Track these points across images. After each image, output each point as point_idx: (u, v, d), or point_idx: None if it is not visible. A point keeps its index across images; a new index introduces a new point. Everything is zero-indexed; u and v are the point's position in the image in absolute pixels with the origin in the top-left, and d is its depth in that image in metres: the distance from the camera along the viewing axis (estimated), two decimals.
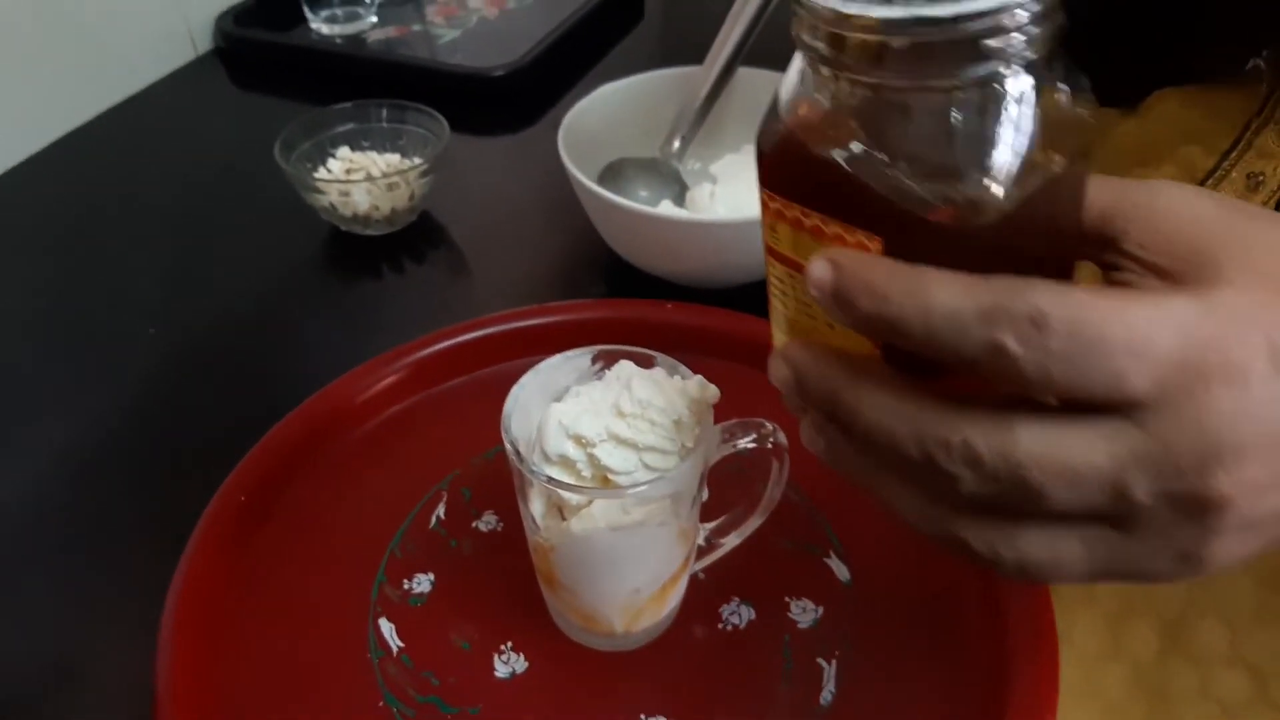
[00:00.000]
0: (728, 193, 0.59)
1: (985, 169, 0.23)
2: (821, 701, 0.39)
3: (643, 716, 0.38)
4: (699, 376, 0.36)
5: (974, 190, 0.23)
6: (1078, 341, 0.22)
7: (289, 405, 0.49)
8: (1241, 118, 0.44)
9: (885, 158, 0.23)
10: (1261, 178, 0.41)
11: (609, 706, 0.39)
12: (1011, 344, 0.22)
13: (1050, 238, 0.25)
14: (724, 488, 0.40)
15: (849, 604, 0.42)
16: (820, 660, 0.40)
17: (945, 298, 0.22)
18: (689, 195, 0.61)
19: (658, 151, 0.63)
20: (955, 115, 0.23)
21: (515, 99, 0.80)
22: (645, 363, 0.38)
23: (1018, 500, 0.23)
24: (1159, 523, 0.23)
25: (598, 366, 0.39)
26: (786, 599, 0.42)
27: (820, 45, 0.24)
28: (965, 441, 0.23)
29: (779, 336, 0.30)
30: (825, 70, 0.24)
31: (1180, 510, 0.23)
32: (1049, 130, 0.23)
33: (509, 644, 0.41)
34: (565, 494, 0.34)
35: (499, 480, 0.47)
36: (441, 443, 0.49)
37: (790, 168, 0.26)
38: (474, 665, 0.40)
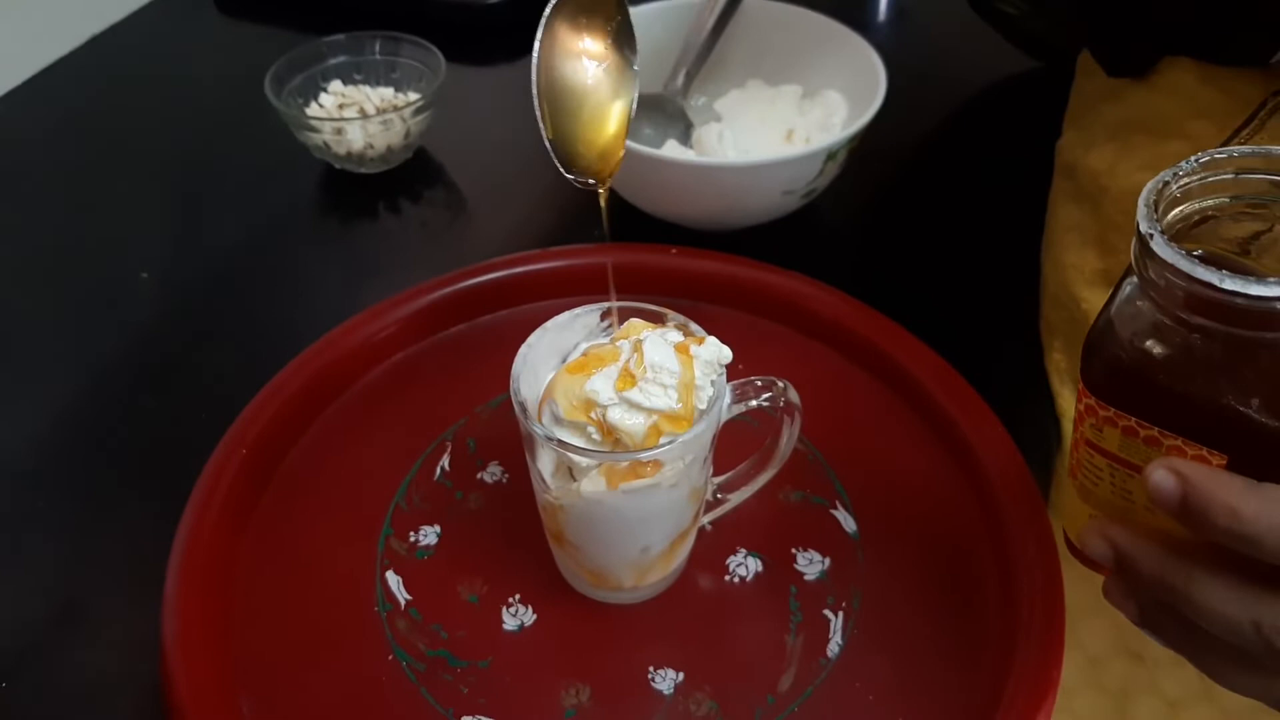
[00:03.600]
0: (736, 132, 0.57)
1: None
2: (829, 653, 0.39)
3: (651, 668, 0.39)
4: (713, 338, 0.35)
5: None
6: None
7: (287, 350, 0.48)
8: (1257, 96, 0.43)
9: (1247, 394, 0.26)
10: None
11: (617, 659, 0.39)
12: None
13: None
14: (733, 439, 0.40)
15: (856, 556, 0.42)
16: (827, 612, 0.40)
17: (1217, 598, 0.26)
18: (695, 134, 0.59)
19: (662, 87, 0.61)
20: None
21: (512, 29, 0.77)
22: (656, 319, 0.37)
23: None
24: None
25: (607, 323, 0.38)
26: (793, 550, 0.42)
27: (1173, 296, 0.26)
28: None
29: (1081, 509, 0.32)
30: (1177, 314, 0.26)
31: None
32: None
33: (517, 596, 0.41)
34: (575, 457, 0.34)
35: (504, 430, 0.47)
36: (445, 392, 0.49)
37: (1131, 388, 0.28)
38: (482, 618, 0.40)
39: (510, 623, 0.40)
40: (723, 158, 0.56)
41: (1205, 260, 0.26)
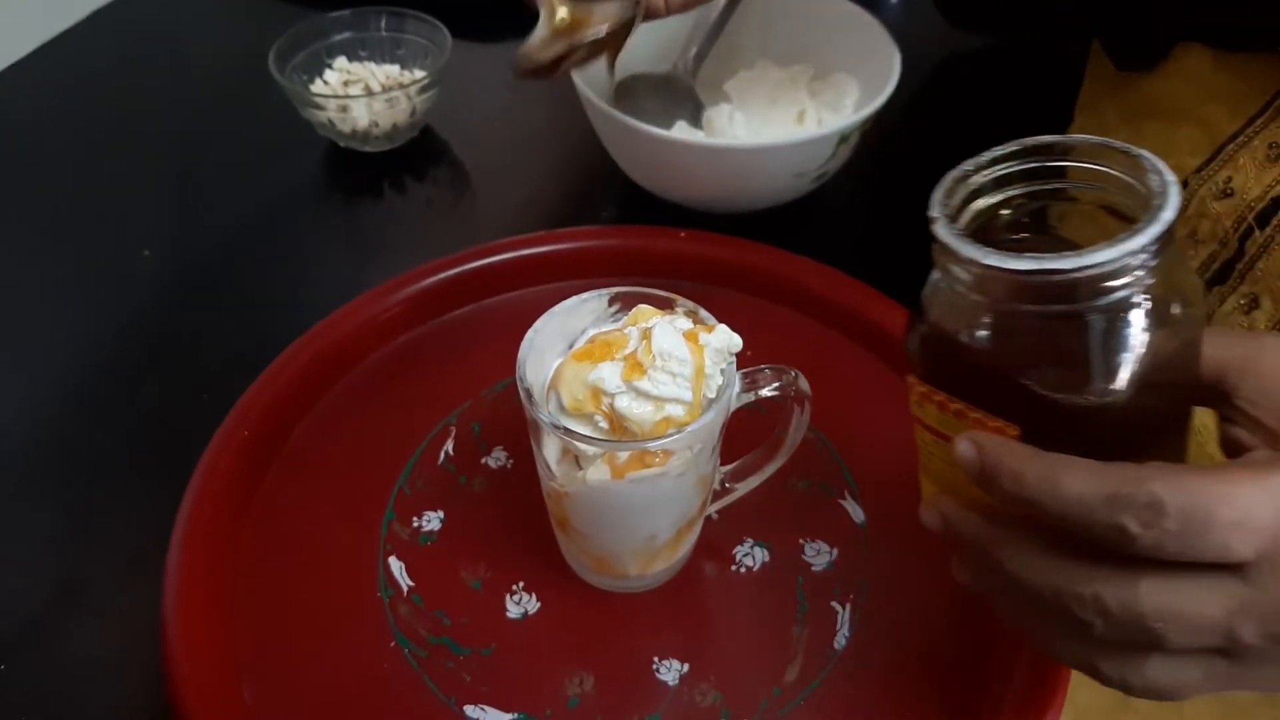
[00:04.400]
0: (747, 113, 0.56)
1: (1108, 375, 0.27)
2: (836, 645, 0.39)
3: (656, 658, 0.38)
4: (723, 326, 0.35)
5: (1098, 395, 0.27)
6: (1190, 521, 0.25)
7: (290, 331, 0.47)
8: (1272, 85, 0.43)
9: (1027, 367, 0.27)
10: None
11: (622, 648, 0.39)
12: (1133, 527, 0.26)
13: (1168, 408, 0.29)
14: (742, 427, 0.39)
15: (864, 546, 0.42)
16: (834, 603, 0.40)
17: (1075, 485, 0.26)
18: (705, 115, 0.58)
19: (672, 67, 0.60)
20: (1082, 333, 0.27)
21: (519, 6, 0.76)
22: (664, 305, 0.36)
23: (1143, 642, 0.27)
24: (1267, 656, 0.27)
25: (615, 309, 0.37)
26: (801, 541, 0.42)
27: (964, 278, 0.28)
28: (1096, 595, 0.27)
29: (928, 485, 0.34)
30: (967, 295, 0.28)
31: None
32: (1164, 330, 0.27)
33: (521, 584, 0.40)
34: (582, 445, 0.33)
35: (509, 415, 0.46)
36: (449, 375, 0.48)
37: (937, 365, 0.30)
38: (486, 605, 0.40)
39: (514, 610, 0.40)
40: (733, 139, 0.55)
41: (979, 239, 0.27)
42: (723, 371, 0.34)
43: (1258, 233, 0.42)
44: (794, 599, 0.40)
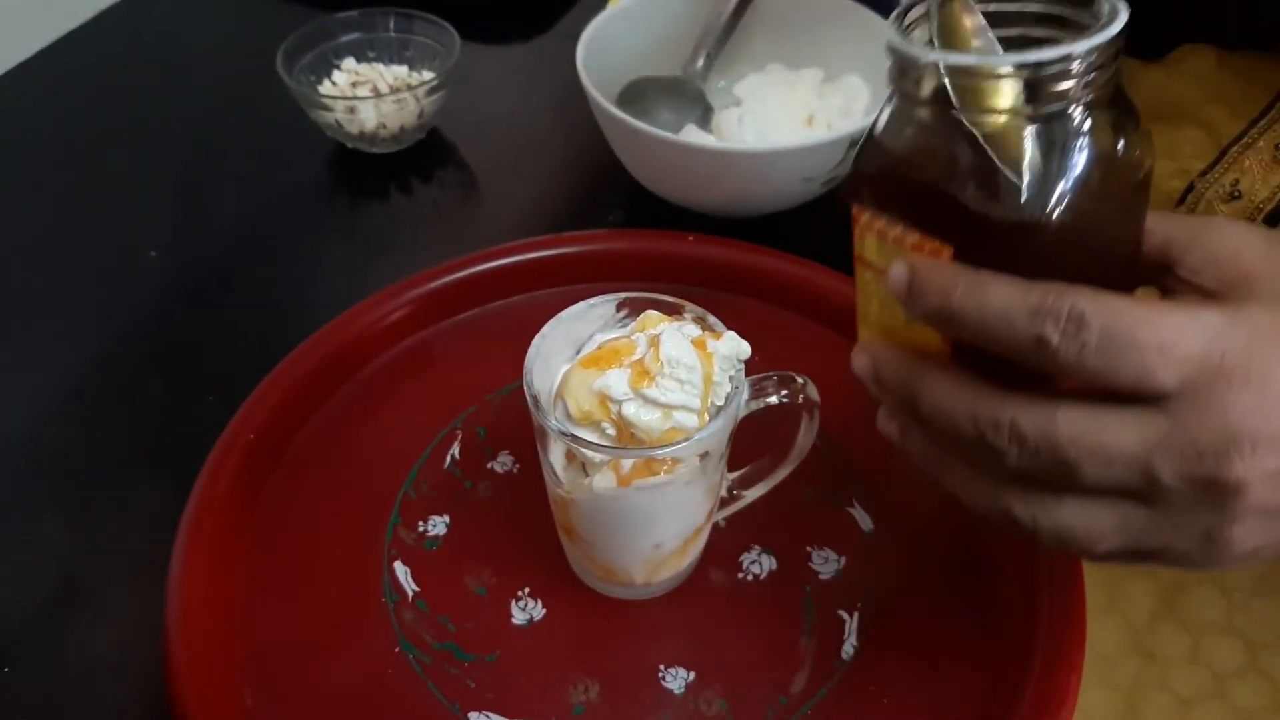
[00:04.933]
0: (756, 117, 0.56)
1: (1043, 191, 0.26)
2: (843, 655, 0.38)
3: (661, 666, 0.38)
4: (731, 333, 0.34)
5: (1030, 210, 0.26)
6: (1111, 339, 0.25)
7: (295, 332, 0.47)
8: (1274, 87, 0.42)
9: (959, 179, 0.27)
10: None
11: (627, 656, 0.39)
12: (1053, 337, 0.25)
13: (1106, 260, 0.29)
14: (750, 434, 0.39)
15: (871, 555, 0.41)
16: (841, 612, 0.39)
17: (999, 296, 0.26)
18: (714, 119, 0.58)
19: (681, 70, 0.60)
20: (1016, 143, 0.26)
21: (528, 8, 0.76)
22: (673, 311, 0.36)
23: (1056, 475, 0.27)
24: (1182, 502, 0.26)
25: (623, 314, 0.37)
26: (808, 549, 0.41)
27: (906, 85, 0.28)
28: (1013, 420, 0.27)
29: (864, 334, 0.33)
30: (910, 106, 0.28)
31: (1200, 491, 0.26)
32: (1103, 162, 0.27)
33: (526, 590, 0.40)
34: (589, 452, 0.33)
35: (515, 419, 0.46)
36: (455, 379, 0.48)
37: (880, 187, 0.30)
38: (491, 611, 0.40)
39: (519, 616, 0.39)
40: (742, 143, 0.55)
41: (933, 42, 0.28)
42: (731, 379, 0.34)
43: None
44: (801, 607, 0.40)
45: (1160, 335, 0.25)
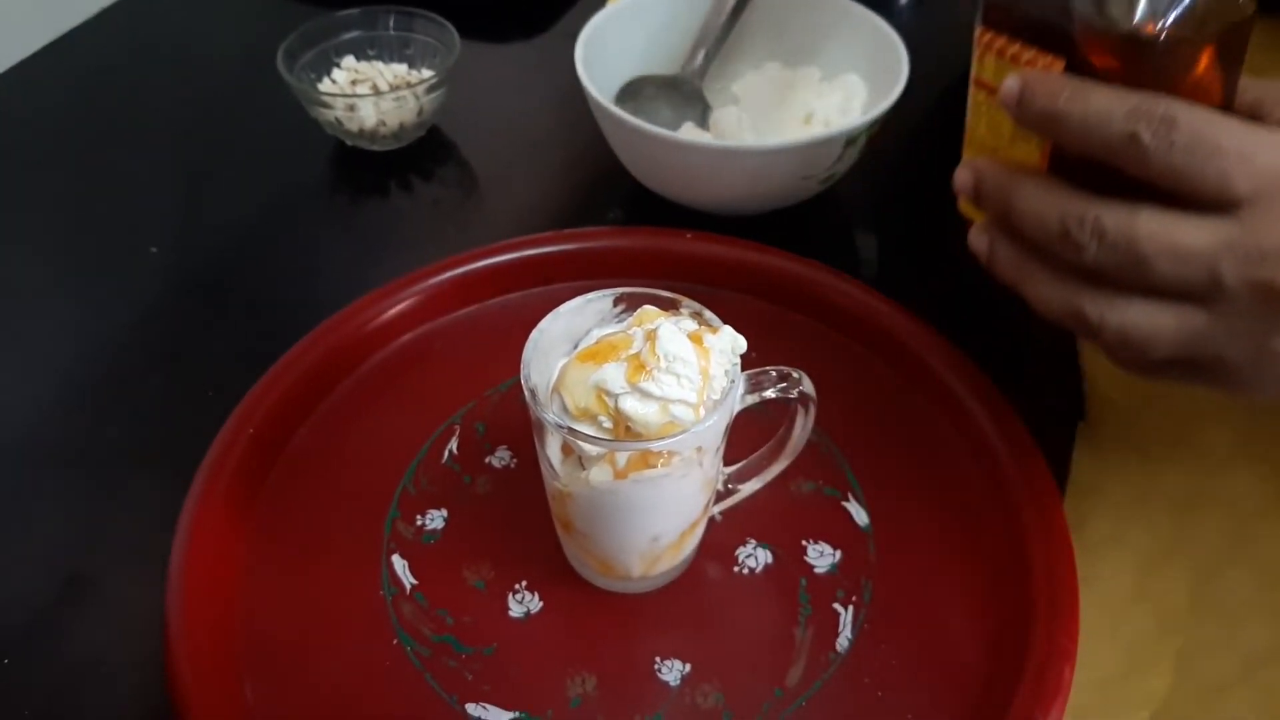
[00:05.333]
0: (755, 115, 0.56)
1: (1154, 8, 0.29)
2: (838, 647, 0.38)
3: (658, 659, 0.38)
4: (727, 327, 0.35)
5: (1139, 25, 0.29)
6: (1198, 141, 0.27)
7: (295, 329, 0.47)
8: None
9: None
10: None
11: (624, 648, 0.39)
12: (1145, 135, 0.28)
13: (1201, 96, 0.30)
14: (746, 429, 0.39)
15: (868, 549, 0.42)
16: (837, 606, 0.40)
17: (1100, 98, 0.29)
18: (712, 117, 0.58)
19: (679, 68, 0.60)
20: None
21: (528, 7, 0.76)
22: (669, 306, 0.36)
23: (1129, 270, 0.29)
24: (1240, 305, 0.29)
25: (620, 309, 0.37)
26: (804, 542, 0.42)
27: None
28: (1097, 216, 0.29)
29: (969, 155, 0.37)
30: None
31: (1258, 296, 0.28)
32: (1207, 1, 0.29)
33: (523, 583, 0.40)
34: (586, 445, 0.33)
35: (513, 414, 0.46)
36: (454, 374, 0.48)
37: (1003, 8, 0.33)
38: (488, 604, 0.40)
39: (516, 609, 0.40)
40: (740, 141, 0.55)
41: None
42: (727, 373, 0.34)
43: None
44: (796, 601, 0.40)
45: (1243, 144, 0.27)
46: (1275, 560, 0.42)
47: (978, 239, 0.35)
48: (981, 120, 0.36)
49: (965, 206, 0.36)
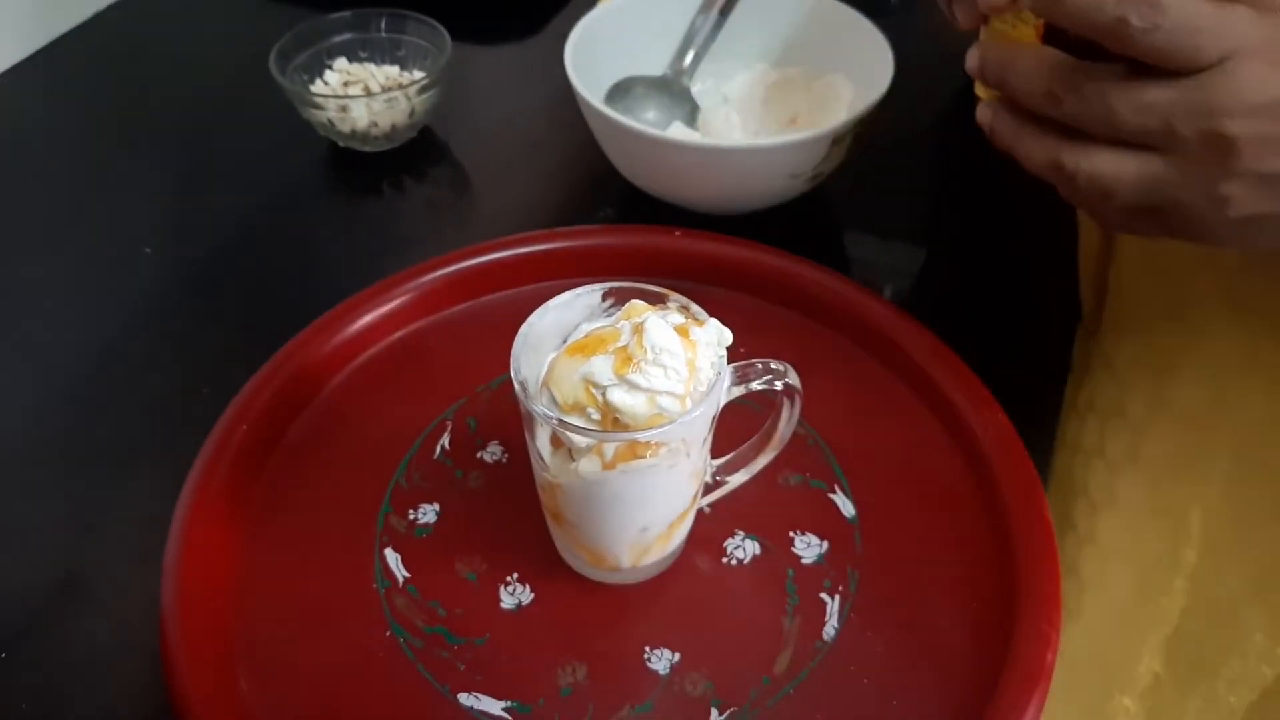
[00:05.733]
0: (743, 115, 0.57)
1: None
2: (825, 636, 0.39)
3: (647, 648, 0.39)
4: (714, 320, 0.35)
5: None
6: (1181, 23, 0.31)
7: (289, 327, 0.48)
8: None
9: None
10: None
11: (614, 638, 0.39)
12: (1133, 19, 0.31)
13: None
14: (733, 422, 0.40)
15: (854, 539, 0.42)
16: (824, 595, 0.40)
17: None
18: (701, 117, 0.59)
19: (667, 69, 0.61)
20: None
21: (518, 9, 0.77)
22: (657, 300, 0.37)
23: (1099, 121, 0.33)
24: (1192, 153, 0.32)
25: (608, 304, 0.38)
26: (791, 534, 0.42)
27: None
28: (1078, 81, 0.33)
29: (985, 39, 0.40)
30: None
31: (1208, 144, 0.32)
32: None
33: (515, 575, 0.41)
34: (575, 436, 0.34)
35: (505, 410, 0.47)
36: (446, 371, 0.49)
37: None
38: (480, 596, 0.40)
39: (508, 601, 0.40)
40: (729, 140, 0.56)
41: None
42: (713, 365, 0.35)
43: None
44: (784, 591, 0.40)
45: (1219, 22, 0.30)
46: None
47: (982, 112, 0.38)
48: (991, 23, 0.39)
49: (979, 89, 0.40)
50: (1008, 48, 0.36)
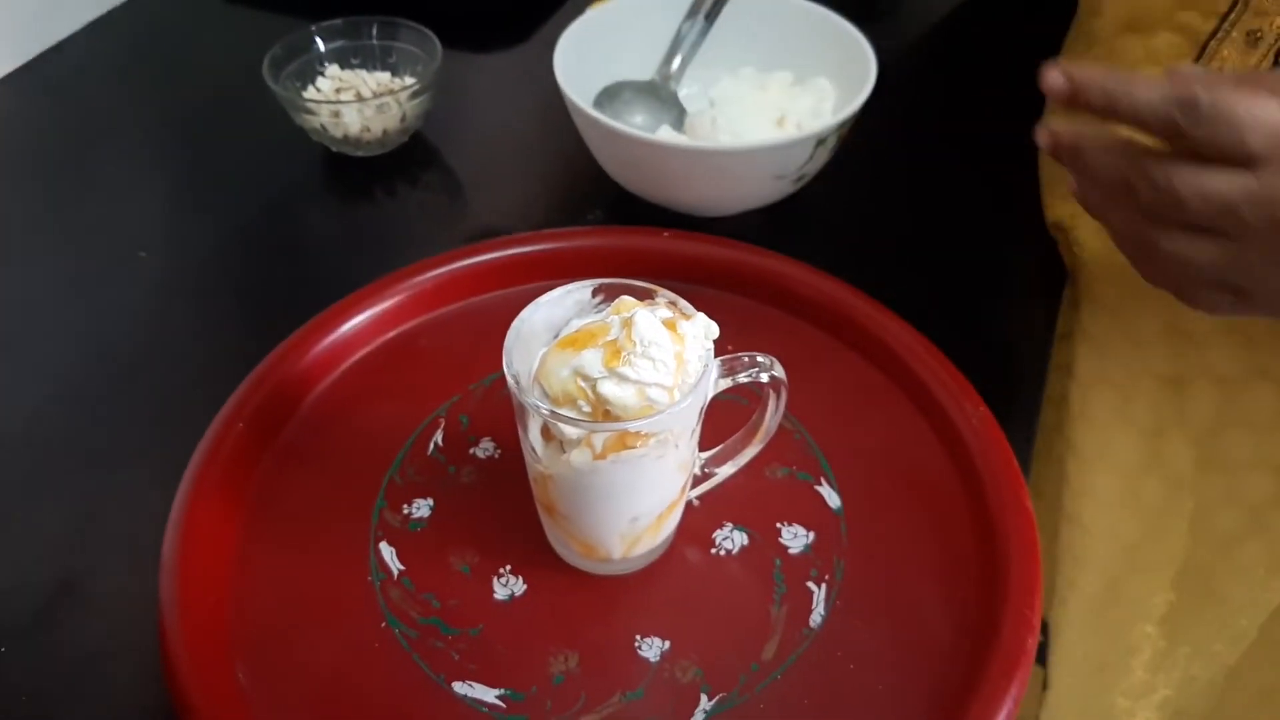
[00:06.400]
0: (729, 118, 0.58)
1: None
2: (811, 623, 0.40)
3: (638, 637, 0.40)
4: (701, 314, 0.36)
5: None
6: (1217, 115, 0.34)
7: (284, 328, 0.49)
8: None
9: None
10: (1260, 34, 0.46)
11: (605, 627, 0.40)
12: (1179, 118, 0.34)
13: None
14: (721, 416, 0.41)
15: (839, 530, 0.43)
16: (810, 584, 0.41)
17: (1142, 90, 0.36)
18: (688, 120, 0.60)
19: (655, 74, 0.62)
20: None
21: (508, 17, 0.78)
22: (645, 296, 0.38)
23: (1173, 209, 0.36)
24: (1261, 237, 0.35)
25: (598, 300, 0.39)
26: (778, 525, 0.43)
27: None
28: (1148, 171, 0.36)
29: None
30: None
31: (1276, 231, 0.34)
32: None
33: (508, 567, 0.42)
34: (566, 427, 0.35)
35: (497, 408, 0.48)
36: (438, 370, 0.49)
37: None
38: (473, 588, 0.41)
39: (501, 592, 0.41)
40: (715, 142, 0.57)
41: None
42: (700, 358, 0.36)
43: None
44: (771, 580, 0.41)
45: (1252, 112, 0.33)
46: (1266, 417, 0.48)
47: (1070, 185, 0.41)
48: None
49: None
50: (1079, 133, 0.39)
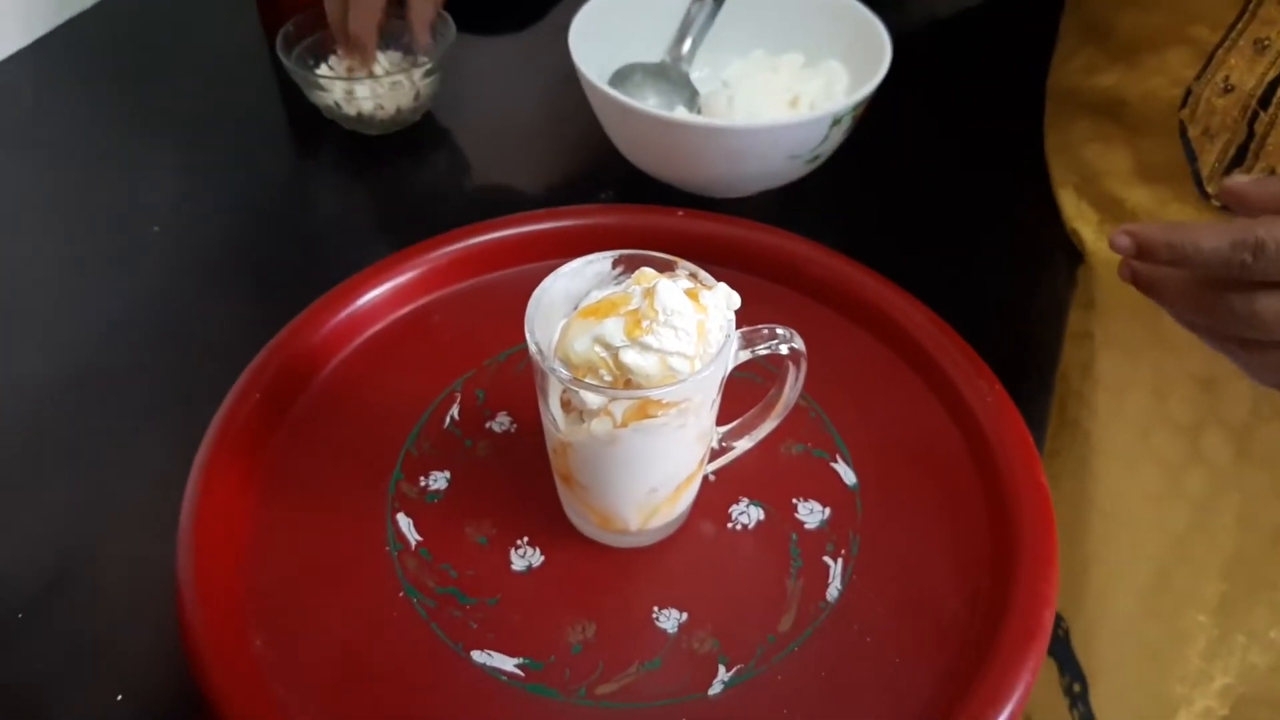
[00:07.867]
0: (743, 99, 0.58)
1: None
2: (828, 597, 0.40)
3: (655, 608, 0.40)
4: (722, 284, 0.36)
5: None
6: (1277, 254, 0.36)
7: (297, 304, 0.49)
8: None
9: None
10: (1267, 41, 0.46)
11: (623, 598, 0.40)
12: (1248, 260, 0.37)
13: None
14: (738, 391, 0.41)
15: (855, 506, 0.43)
16: (827, 559, 0.41)
17: (1208, 241, 0.38)
18: (703, 100, 0.60)
19: (666, 55, 0.62)
20: None
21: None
22: (666, 267, 0.38)
23: (1260, 331, 0.38)
24: None
25: (618, 271, 0.39)
26: (794, 501, 0.43)
27: None
28: (1229, 305, 0.38)
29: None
30: None
31: None
32: None
33: (525, 539, 0.42)
34: (587, 396, 0.35)
35: (512, 382, 0.48)
36: (454, 345, 0.49)
37: None
38: (491, 559, 0.41)
39: (518, 563, 0.41)
40: (731, 120, 0.57)
41: None
42: (722, 328, 0.36)
43: (1263, 114, 0.47)
44: (788, 554, 0.42)
45: None
46: None
47: (1149, 289, 0.42)
48: None
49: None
50: (1155, 271, 0.41)
